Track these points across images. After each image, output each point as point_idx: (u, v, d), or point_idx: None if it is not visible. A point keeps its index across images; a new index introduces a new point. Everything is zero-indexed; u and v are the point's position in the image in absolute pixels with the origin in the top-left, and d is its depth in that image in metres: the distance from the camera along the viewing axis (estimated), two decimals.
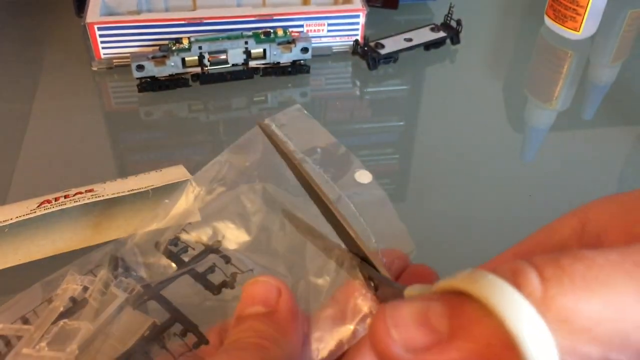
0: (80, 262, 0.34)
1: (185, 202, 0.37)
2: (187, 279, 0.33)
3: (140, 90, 0.51)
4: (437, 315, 0.16)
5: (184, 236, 0.35)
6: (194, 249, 0.35)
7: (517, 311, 0.15)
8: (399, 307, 0.17)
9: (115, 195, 0.38)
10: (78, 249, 0.37)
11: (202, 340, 0.30)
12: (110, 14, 0.54)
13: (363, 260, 0.25)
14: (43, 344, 0.29)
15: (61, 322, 0.30)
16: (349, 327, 0.25)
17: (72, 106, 0.51)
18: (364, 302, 0.25)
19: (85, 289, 0.32)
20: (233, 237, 0.35)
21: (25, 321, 0.32)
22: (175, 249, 0.35)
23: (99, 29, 0.51)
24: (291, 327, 0.23)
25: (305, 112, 0.39)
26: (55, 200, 0.38)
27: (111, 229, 0.38)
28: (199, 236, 0.35)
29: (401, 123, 0.51)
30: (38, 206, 0.37)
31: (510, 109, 0.54)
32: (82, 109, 0.51)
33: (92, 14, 0.51)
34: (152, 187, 0.38)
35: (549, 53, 0.61)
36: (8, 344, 0.31)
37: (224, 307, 0.32)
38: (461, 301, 0.16)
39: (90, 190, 0.39)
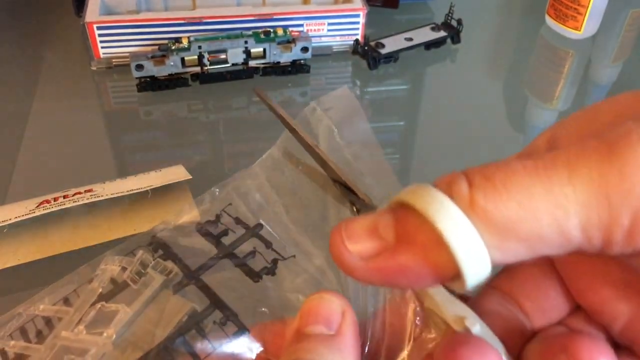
0: (120, 246, 0.34)
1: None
2: (227, 264, 0.33)
3: (139, 90, 0.50)
4: (384, 226, 0.18)
5: (225, 218, 0.35)
6: (234, 231, 0.34)
7: (445, 213, 0.17)
8: (352, 222, 0.19)
9: (115, 196, 0.38)
10: (77, 249, 0.37)
11: (242, 329, 0.29)
12: (110, 14, 0.53)
13: (346, 188, 0.30)
14: (81, 326, 0.29)
15: (99, 305, 0.30)
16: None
17: (71, 106, 0.51)
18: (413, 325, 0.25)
19: (124, 269, 0.32)
20: (273, 215, 0.35)
21: (66, 301, 0.32)
22: (215, 231, 0.34)
23: (98, 28, 0.50)
24: (353, 354, 0.23)
25: (351, 93, 0.39)
26: (55, 201, 0.38)
27: (110, 230, 0.38)
28: (239, 218, 0.35)
29: (401, 123, 0.51)
30: (37, 206, 0.37)
31: (510, 108, 0.54)
32: (81, 108, 0.50)
33: (92, 14, 0.51)
34: (151, 187, 0.38)
35: (549, 52, 0.61)
36: (49, 323, 0.31)
37: (264, 295, 0.31)
38: (405, 212, 0.18)
39: (90, 190, 0.38)
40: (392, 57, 0.55)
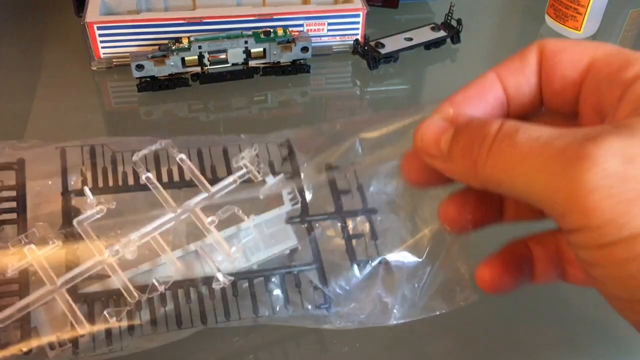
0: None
1: None
2: (335, 225, 0.35)
3: (139, 90, 0.51)
4: (445, 140, 0.23)
5: (349, 173, 0.36)
6: (353, 197, 0.35)
7: None
8: (427, 126, 0.24)
9: None
10: None
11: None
12: (110, 14, 0.53)
13: None
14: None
15: (236, 208, 0.33)
16: None
17: (72, 106, 0.51)
18: None
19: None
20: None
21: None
22: (338, 186, 0.36)
23: (99, 28, 0.50)
24: None
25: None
26: None
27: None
28: (362, 187, 0.36)
29: None
30: None
31: None
32: (82, 108, 0.51)
33: (92, 14, 0.51)
34: None
35: None
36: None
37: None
38: (458, 134, 0.23)
39: None
40: (392, 57, 0.55)
